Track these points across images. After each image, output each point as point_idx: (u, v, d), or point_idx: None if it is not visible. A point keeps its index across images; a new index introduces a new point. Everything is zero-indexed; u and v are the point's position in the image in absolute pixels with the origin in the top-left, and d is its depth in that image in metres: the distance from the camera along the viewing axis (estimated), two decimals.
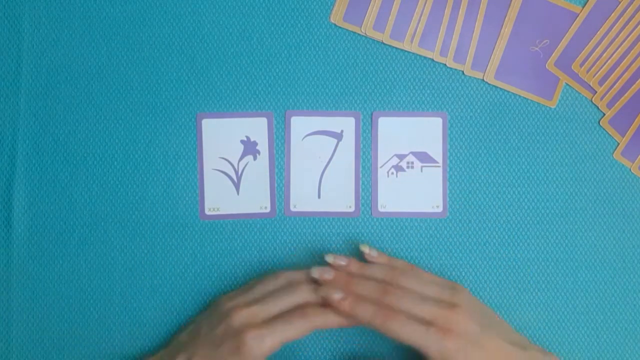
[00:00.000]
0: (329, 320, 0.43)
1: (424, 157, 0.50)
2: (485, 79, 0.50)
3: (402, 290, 0.43)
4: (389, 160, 0.50)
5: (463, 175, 0.50)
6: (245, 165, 0.50)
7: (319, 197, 0.50)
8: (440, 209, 0.50)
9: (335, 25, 0.50)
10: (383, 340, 0.49)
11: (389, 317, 0.41)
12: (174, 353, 0.44)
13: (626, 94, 0.50)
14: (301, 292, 0.44)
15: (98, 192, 0.50)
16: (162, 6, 0.50)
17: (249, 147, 0.50)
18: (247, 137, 0.50)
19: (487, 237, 0.50)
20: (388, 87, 0.51)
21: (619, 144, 0.50)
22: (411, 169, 0.50)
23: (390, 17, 0.50)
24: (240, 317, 0.43)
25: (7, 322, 0.49)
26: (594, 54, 0.50)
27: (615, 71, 0.50)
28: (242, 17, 0.50)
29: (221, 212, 0.50)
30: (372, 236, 0.50)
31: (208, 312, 0.46)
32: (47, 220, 0.49)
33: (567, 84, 0.50)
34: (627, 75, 0.50)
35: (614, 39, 0.50)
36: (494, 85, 0.50)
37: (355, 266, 0.45)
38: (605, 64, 0.50)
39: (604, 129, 0.50)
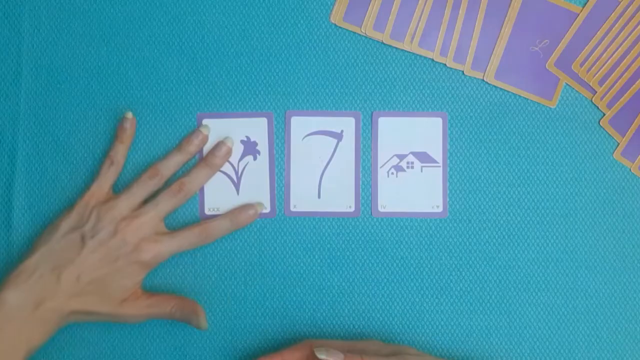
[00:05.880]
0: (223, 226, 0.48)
1: (424, 157, 0.50)
2: (485, 79, 0.50)
3: None
4: (389, 160, 0.50)
5: (463, 175, 0.50)
6: (245, 166, 0.50)
7: (319, 197, 0.50)
8: (440, 209, 0.50)
9: (335, 25, 0.50)
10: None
11: None
12: (56, 264, 0.45)
13: (626, 94, 0.50)
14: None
15: None
16: (162, 6, 0.50)
17: (249, 147, 0.50)
18: (247, 137, 0.50)
19: (487, 237, 0.50)
20: (388, 87, 0.51)
21: (619, 144, 0.50)
22: (411, 169, 0.50)
23: (390, 17, 0.50)
24: (133, 231, 0.46)
25: None
26: (594, 54, 0.50)
27: (615, 71, 0.50)
28: (242, 17, 0.50)
29: (221, 212, 0.50)
30: (372, 236, 0.50)
31: (79, 219, 0.46)
32: (47, 220, 0.49)
33: (567, 84, 0.50)
34: (627, 75, 0.50)
35: (614, 39, 0.50)
36: (494, 85, 0.50)
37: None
38: (605, 64, 0.50)
39: (604, 129, 0.50)
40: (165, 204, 0.47)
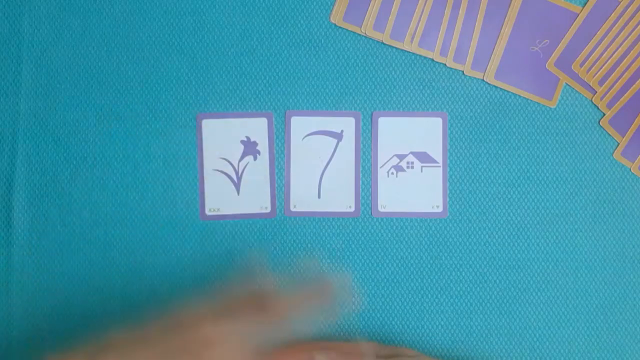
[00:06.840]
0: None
1: (424, 157, 0.50)
2: (485, 79, 0.50)
3: None
4: (389, 160, 0.50)
5: (463, 175, 0.50)
6: (246, 166, 0.50)
7: (319, 197, 0.50)
8: (440, 209, 0.50)
9: (335, 25, 0.50)
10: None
11: None
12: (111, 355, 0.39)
13: (626, 94, 0.50)
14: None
15: (98, 192, 0.50)
16: (162, 6, 0.50)
17: (249, 147, 0.50)
18: (247, 137, 0.50)
19: (487, 237, 0.50)
20: (388, 87, 0.51)
21: (619, 144, 0.50)
22: (411, 169, 0.50)
23: (390, 17, 0.50)
24: (207, 329, 0.38)
25: (7, 322, 0.49)
26: (594, 54, 0.50)
27: (615, 71, 0.50)
28: (242, 17, 0.50)
29: (221, 212, 0.50)
30: (372, 236, 0.50)
31: (160, 320, 0.40)
32: (47, 220, 0.49)
33: (567, 84, 0.50)
34: (627, 75, 0.50)
35: (614, 39, 0.50)
36: (494, 85, 0.50)
37: None
38: (605, 64, 0.50)
39: (604, 129, 0.50)
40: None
